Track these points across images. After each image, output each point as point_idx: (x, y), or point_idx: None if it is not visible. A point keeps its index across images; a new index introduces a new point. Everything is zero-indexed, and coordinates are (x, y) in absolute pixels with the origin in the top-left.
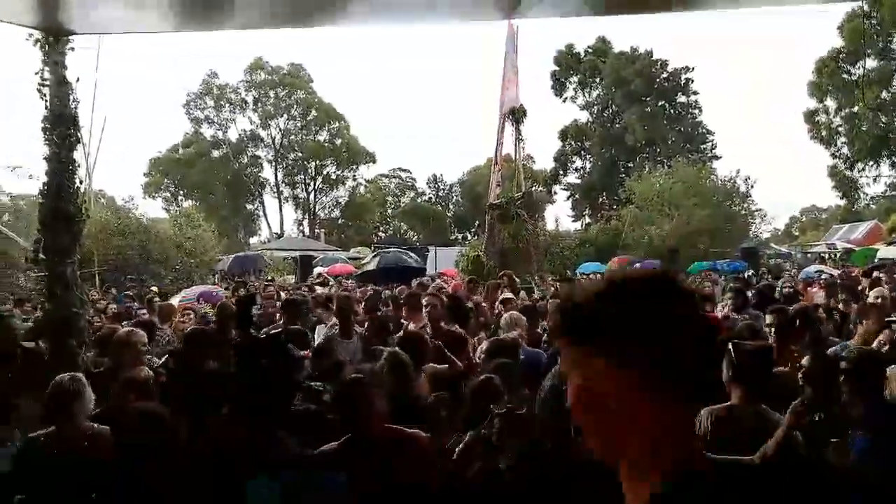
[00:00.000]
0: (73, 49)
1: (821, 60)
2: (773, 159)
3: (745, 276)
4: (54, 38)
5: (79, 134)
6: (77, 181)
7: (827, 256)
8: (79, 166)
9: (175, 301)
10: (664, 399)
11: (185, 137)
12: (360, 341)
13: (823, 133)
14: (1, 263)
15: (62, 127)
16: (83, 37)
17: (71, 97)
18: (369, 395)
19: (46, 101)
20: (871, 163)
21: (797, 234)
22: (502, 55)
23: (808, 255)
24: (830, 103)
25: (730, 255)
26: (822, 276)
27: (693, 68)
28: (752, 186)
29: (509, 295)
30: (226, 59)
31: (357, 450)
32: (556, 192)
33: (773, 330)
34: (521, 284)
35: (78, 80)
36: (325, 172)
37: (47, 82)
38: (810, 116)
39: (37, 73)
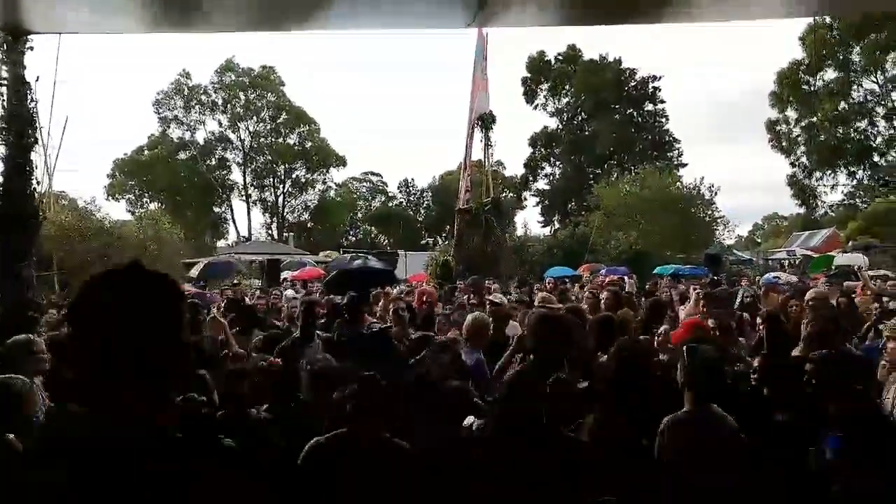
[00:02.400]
0: (31, 48)
1: (782, 71)
2: (737, 168)
3: (706, 280)
4: (13, 37)
5: (37, 135)
6: (34, 182)
7: (787, 263)
8: (36, 167)
9: None
10: None
11: (151, 139)
12: (321, 345)
13: (784, 143)
14: None
15: (19, 127)
16: (44, 36)
17: (29, 97)
18: (378, 395)
19: (3, 100)
20: (829, 171)
21: (759, 241)
22: (472, 61)
23: (770, 261)
24: (791, 113)
25: (694, 261)
26: (779, 283)
27: (661, 77)
28: (715, 194)
29: (500, 298)
30: (195, 60)
31: (347, 447)
32: (525, 198)
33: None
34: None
35: (38, 79)
36: (294, 175)
37: (4, 81)
38: (771, 126)
39: None
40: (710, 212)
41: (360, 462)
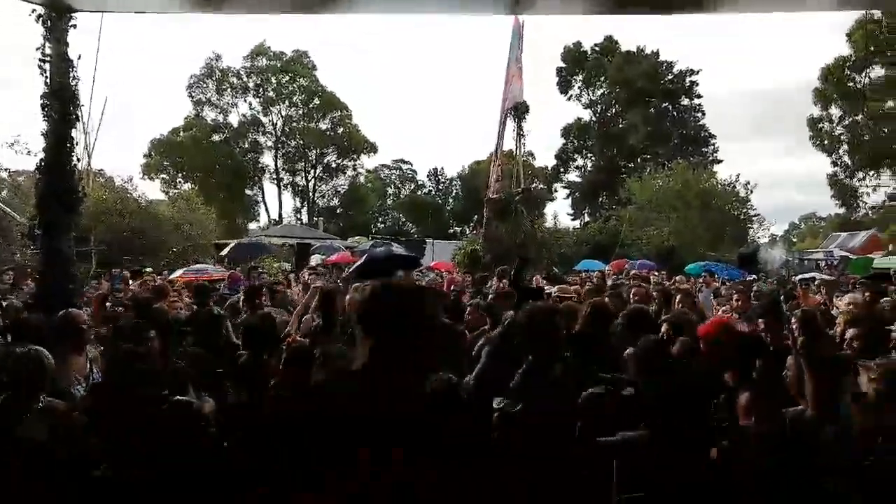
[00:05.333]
0: (74, 26)
1: (827, 68)
2: (774, 165)
3: (748, 279)
4: (57, 14)
5: (78, 111)
6: (75, 158)
7: (824, 264)
8: (77, 143)
9: (178, 273)
10: None
11: (186, 120)
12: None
13: (825, 141)
14: None
15: (61, 103)
16: (86, 15)
17: (71, 74)
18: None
19: (46, 76)
20: (872, 172)
21: (795, 240)
22: (507, 49)
23: (806, 261)
24: (835, 111)
25: (727, 259)
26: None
27: (699, 71)
28: (751, 191)
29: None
30: (229, 43)
31: None
32: (556, 190)
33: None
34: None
35: (80, 57)
36: (325, 161)
37: (48, 58)
38: (814, 124)
39: (38, 49)
40: (744, 209)
41: None
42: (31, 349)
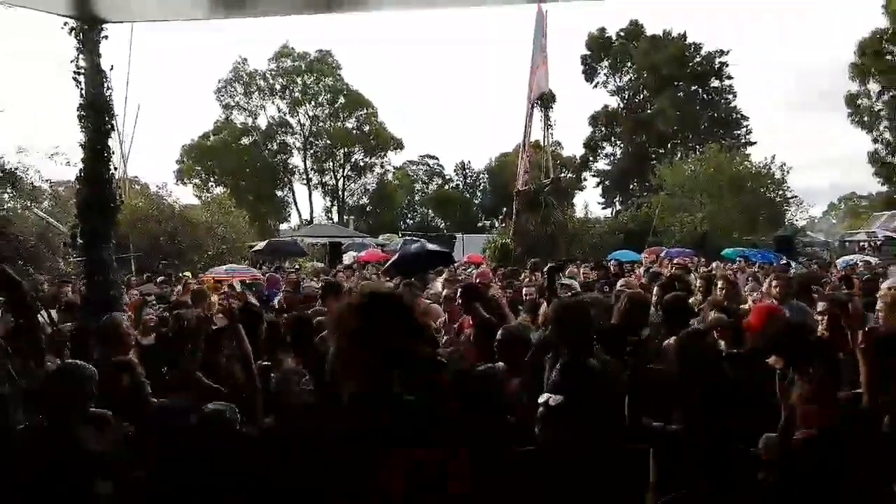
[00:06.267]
0: (106, 37)
1: (863, 41)
2: (810, 145)
3: (783, 263)
4: (88, 26)
5: (113, 121)
6: (111, 168)
7: (867, 245)
8: (113, 153)
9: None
10: None
11: (216, 125)
12: None
13: (865, 117)
14: (42, 248)
15: (96, 114)
16: (116, 25)
17: (105, 85)
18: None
19: (81, 88)
20: None
21: (835, 221)
22: (531, 40)
23: (847, 243)
24: (873, 86)
25: (763, 243)
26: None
27: (728, 52)
28: (787, 173)
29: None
30: (252, 47)
31: None
32: (585, 179)
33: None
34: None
35: (112, 67)
36: (353, 159)
37: (82, 70)
38: (852, 100)
39: (72, 62)
40: (780, 192)
41: None
42: (70, 363)
